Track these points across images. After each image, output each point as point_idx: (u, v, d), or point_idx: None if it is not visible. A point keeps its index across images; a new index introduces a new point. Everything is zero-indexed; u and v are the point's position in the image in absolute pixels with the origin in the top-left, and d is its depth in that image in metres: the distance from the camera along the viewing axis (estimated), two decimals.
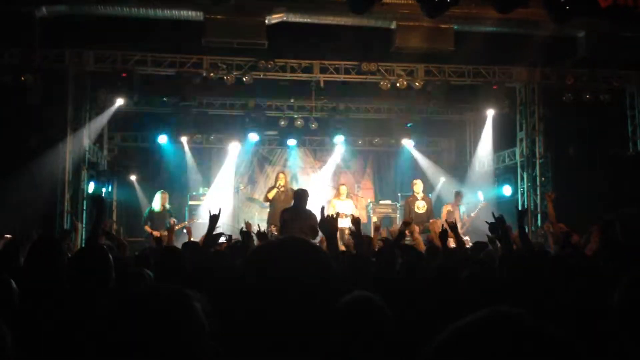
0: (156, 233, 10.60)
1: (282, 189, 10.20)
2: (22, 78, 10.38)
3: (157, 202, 10.89)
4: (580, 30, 10.28)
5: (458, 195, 11.76)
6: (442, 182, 14.49)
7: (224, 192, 13.68)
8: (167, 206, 11.11)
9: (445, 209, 11.59)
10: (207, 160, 14.96)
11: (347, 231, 9.11)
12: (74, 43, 10.86)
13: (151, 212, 10.81)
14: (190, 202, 12.95)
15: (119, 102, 11.92)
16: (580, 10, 8.98)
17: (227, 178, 14.30)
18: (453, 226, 5.88)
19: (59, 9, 9.48)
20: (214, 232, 4.75)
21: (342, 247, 7.48)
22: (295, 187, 10.63)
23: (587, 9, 9.18)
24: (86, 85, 11.55)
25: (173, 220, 10.48)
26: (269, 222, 9.58)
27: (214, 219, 4.93)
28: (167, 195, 11.14)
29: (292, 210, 7.93)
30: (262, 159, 15.20)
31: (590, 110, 12.03)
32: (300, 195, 7.94)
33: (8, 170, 10.36)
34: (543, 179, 12.27)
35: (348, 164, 15.27)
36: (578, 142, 12.34)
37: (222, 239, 5.22)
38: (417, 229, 10.53)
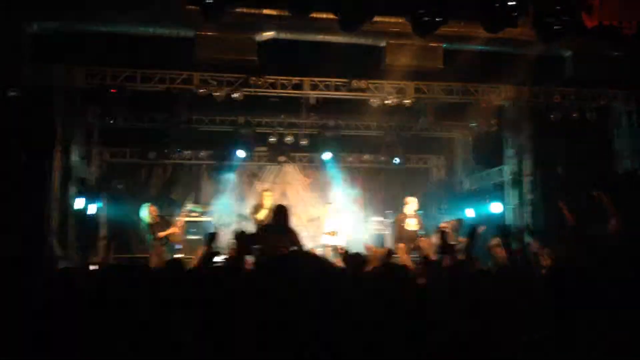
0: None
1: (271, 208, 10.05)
2: (10, 94, 10.29)
3: (147, 214, 10.64)
4: (567, 50, 10.40)
5: (457, 222, 11.63)
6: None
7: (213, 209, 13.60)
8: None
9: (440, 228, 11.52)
10: (197, 176, 14.92)
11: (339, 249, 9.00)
12: (63, 59, 10.79)
13: (150, 224, 10.55)
14: (179, 219, 12.79)
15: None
16: (568, 31, 9.07)
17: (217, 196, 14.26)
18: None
19: (50, 25, 9.44)
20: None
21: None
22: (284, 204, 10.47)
23: (574, 30, 9.28)
24: (75, 102, 11.47)
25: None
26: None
27: (212, 237, 4.88)
28: (155, 208, 10.85)
29: (272, 227, 7.64)
30: (251, 176, 15.15)
31: (577, 129, 12.12)
32: (279, 212, 7.54)
33: None
34: (531, 196, 12.32)
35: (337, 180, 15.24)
36: (566, 160, 12.42)
37: (218, 258, 5.04)
38: (404, 248, 10.51)
